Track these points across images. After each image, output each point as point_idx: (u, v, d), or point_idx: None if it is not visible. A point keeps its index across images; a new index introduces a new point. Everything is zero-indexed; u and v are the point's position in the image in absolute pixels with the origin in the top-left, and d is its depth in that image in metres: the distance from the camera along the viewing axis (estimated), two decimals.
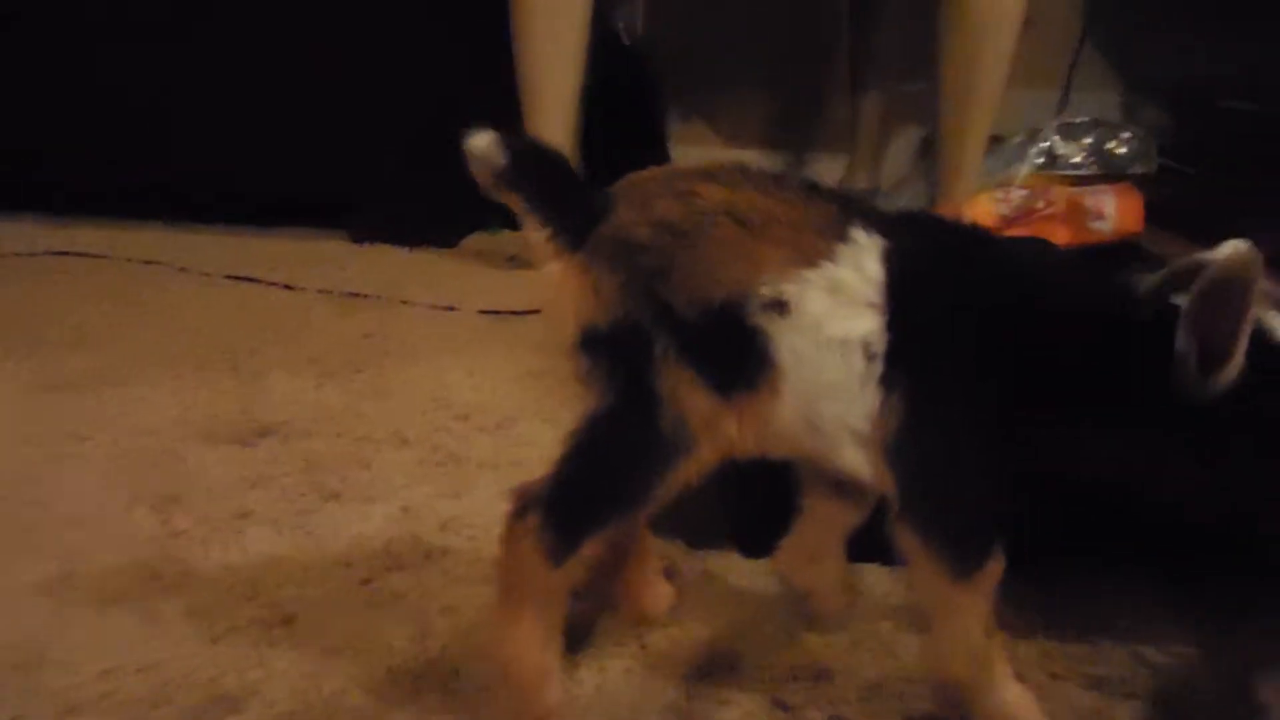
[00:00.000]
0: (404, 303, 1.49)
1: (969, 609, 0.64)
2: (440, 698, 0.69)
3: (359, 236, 1.80)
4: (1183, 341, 0.58)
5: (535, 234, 0.65)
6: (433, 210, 1.76)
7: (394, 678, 0.71)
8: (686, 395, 0.62)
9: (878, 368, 0.62)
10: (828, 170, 1.95)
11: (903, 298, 0.62)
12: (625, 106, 1.75)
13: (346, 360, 1.28)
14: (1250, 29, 1.55)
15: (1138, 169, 1.49)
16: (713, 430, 0.64)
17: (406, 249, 1.77)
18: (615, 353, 0.63)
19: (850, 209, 0.65)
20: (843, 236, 0.63)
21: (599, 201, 0.65)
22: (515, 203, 0.64)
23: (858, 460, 0.64)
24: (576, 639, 0.73)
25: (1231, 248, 0.67)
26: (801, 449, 0.66)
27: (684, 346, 0.62)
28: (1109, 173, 1.47)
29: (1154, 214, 1.36)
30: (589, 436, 0.64)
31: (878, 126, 1.88)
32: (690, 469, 0.65)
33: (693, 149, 1.92)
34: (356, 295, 1.52)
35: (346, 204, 1.80)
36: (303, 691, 0.70)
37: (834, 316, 0.62)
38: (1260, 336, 0.58)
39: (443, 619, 0.77)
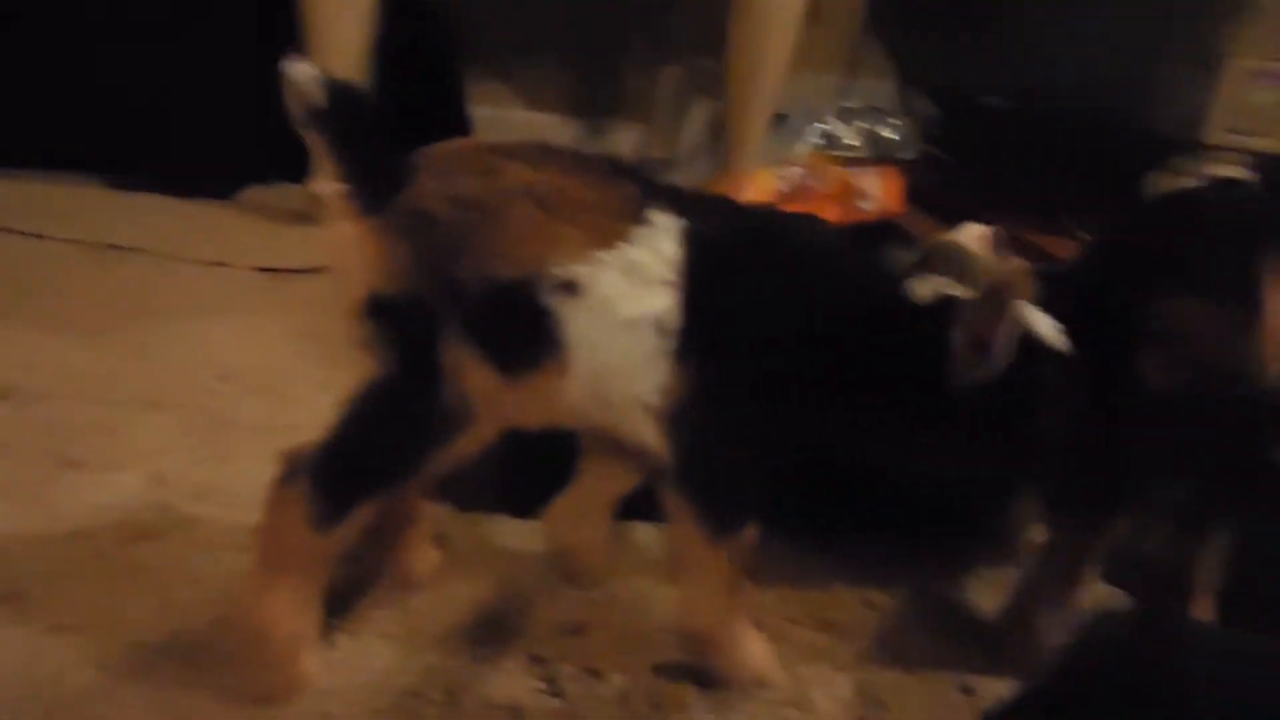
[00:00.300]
0: (171, 257, 1.39)
1: (720, 568, 0.68)
2: (180, 670, 0.67)
3: (117, 183, 1.66)
4: (957, 334, 0.63)
5: (330, 188, 0.62)
6: (208, 159, 1.64)
7: (131, 652, 0.68)
8: (470, 371, 0.62)
9: (670, 343, 0.64)
10: (624, 138, 1.97)
11: (697, 276, 0.64)
12: (421, 64, 1.69)
13: (101, 317, 1.19)
14: (1003, 35, 1.70)
15: (904, 154, 1.60)
16: (494, 406, 0.64)
17: (178, 199, 1.65)
18: (401, 322, 0.62)
19: (650, 190, 0.66)
20: (641, 218, 0.64)
21: (402, 168, 0.63)
22: (321, 147, 0.62)
23: (645, 430, 0.66)
24: (339, 604, 0.72)
25: (977, 231, 0.75)
26: (589, 422, 0.67)
27: (472, 323, 0.62)
28: (878, 156, 1.58)
29: (915, 196, 1.47)
30: (366, 404, 0.63)
31: (673, 98, 1.92)
32: (469, 443, 0.65)
33: (492, 110, 1.89)
34: (116, 248, 1.40)
35: (102, 148, 1.65)
36: (24, 669, 0.65)
37: (627, 297, 0.63)
38: (1025, 335, 0.64)
39: (188, 590, 0.74)
